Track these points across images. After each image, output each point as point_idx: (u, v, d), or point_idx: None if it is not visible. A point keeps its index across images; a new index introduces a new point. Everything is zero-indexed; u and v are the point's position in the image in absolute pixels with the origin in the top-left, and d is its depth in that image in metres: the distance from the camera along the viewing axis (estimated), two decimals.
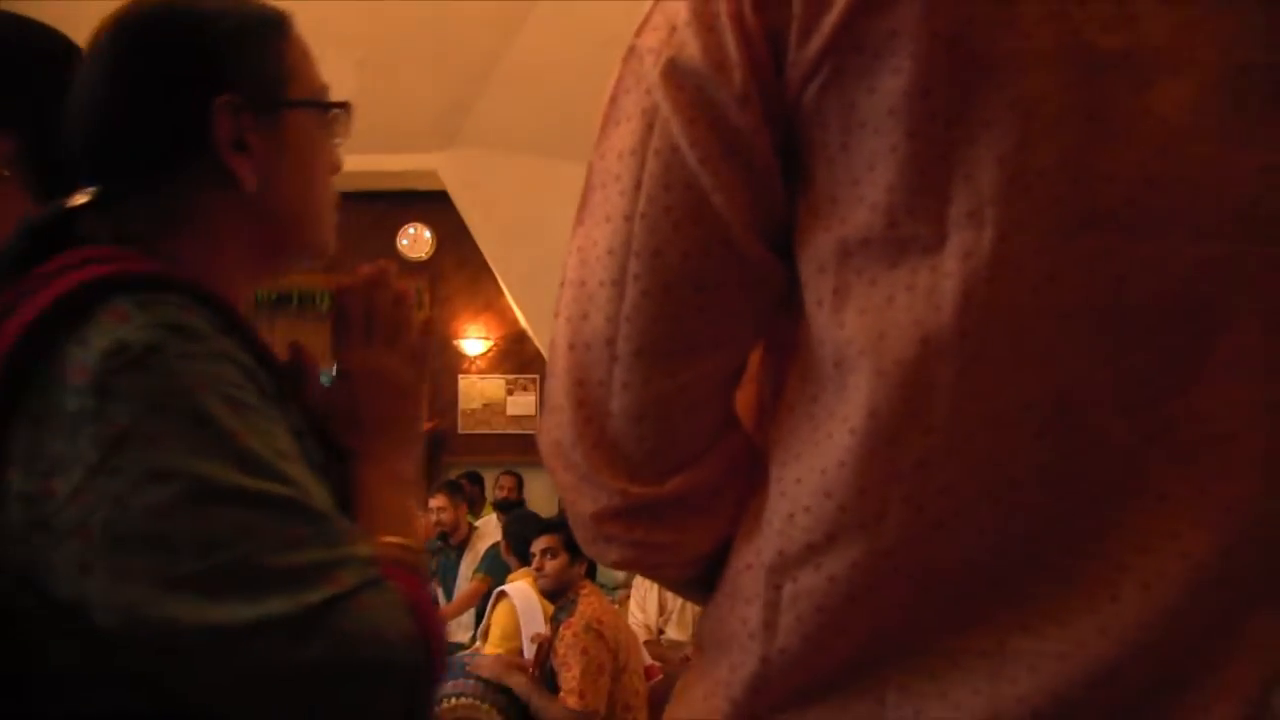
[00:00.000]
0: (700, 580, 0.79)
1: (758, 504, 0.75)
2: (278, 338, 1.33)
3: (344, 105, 1.09)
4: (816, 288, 0.71)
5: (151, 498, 0.84)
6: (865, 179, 0.68)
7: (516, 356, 8.56)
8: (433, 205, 7.44)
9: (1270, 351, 0.67)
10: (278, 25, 1.07)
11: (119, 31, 1.03)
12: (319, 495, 0.90)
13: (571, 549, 3.82)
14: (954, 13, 0.66)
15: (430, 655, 0.91)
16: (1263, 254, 0.67)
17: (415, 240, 8.56)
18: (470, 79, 5.42)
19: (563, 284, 0.77)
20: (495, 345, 8.65)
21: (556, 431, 0.77)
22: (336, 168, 1.10)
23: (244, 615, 0.83)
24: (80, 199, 1.01)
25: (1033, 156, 0.66)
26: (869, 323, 0.68)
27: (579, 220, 0.76)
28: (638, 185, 0.72)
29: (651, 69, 0.72)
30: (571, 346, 0.76)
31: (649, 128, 0.72)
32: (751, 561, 0.74)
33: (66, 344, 0.88)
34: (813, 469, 0.71)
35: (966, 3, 0.66)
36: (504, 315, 8.34)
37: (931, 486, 0.68)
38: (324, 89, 1.09)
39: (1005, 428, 0.67)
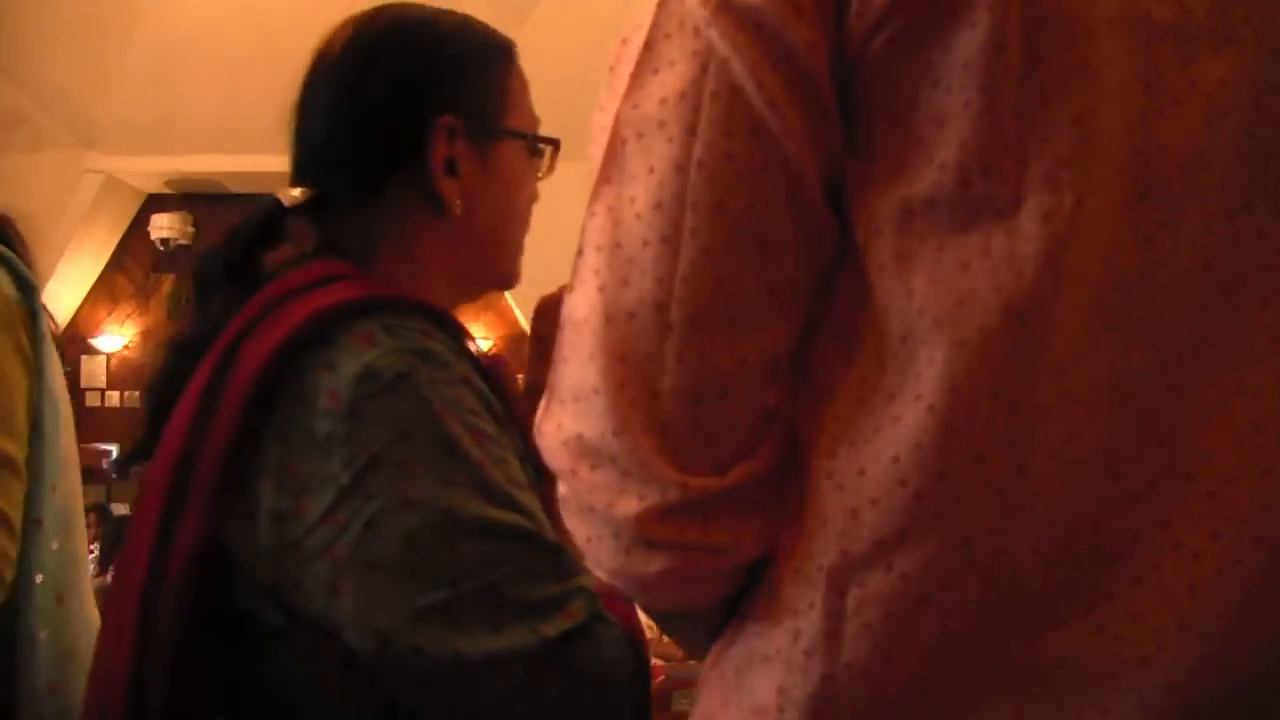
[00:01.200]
0: (717, 613, 0.71)
1: (797, 503, 0.67)
2: None
3: (554, 141, 1.10)
4: (876, 254, 0.65)
5: (402, 524, 0.84)
6: (934, 137, 0.64)
7: (517, 356, 8.54)
8: None
9: None
10: (504, 52, 1.09)
11: (357, 38, 1.04)
12: (549, 525, 0.90)
13: None
14: None
15: (649, 687, 0.90)
16: None
17: None
18: None
19: (581, 252, 0.68)
20: (495, 345, 8.63)
21: (579, 425, 0.68)
22: (535, 198, 1.11)
23: (485, 645, 0.83)
24: (296, 196, 1.02)
25: (1101, 120, 0.63)
26: (942, 291, 0.63)
27: (603, 178, 0.68)
28: (691, 131, 0.65)
29: (699, 8, 0.66)
30: (608, 319, 0.66)
31: (702, 69, 0.65)
32: (800, 567, 0.66)
33: (313, 365, 0.89)
34: (878, 457, 0.63)
35: None
36: (504, 315, 8.33)
37: (1010, 469, 0.62)
38: (536, 121, 1.10)
39: (1073, 403, 0.62)
